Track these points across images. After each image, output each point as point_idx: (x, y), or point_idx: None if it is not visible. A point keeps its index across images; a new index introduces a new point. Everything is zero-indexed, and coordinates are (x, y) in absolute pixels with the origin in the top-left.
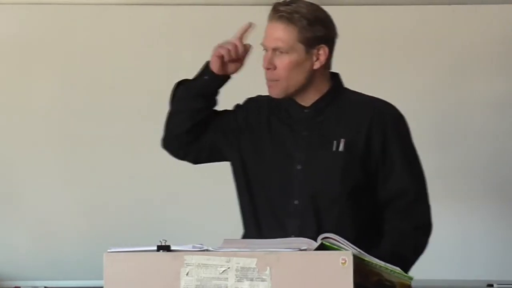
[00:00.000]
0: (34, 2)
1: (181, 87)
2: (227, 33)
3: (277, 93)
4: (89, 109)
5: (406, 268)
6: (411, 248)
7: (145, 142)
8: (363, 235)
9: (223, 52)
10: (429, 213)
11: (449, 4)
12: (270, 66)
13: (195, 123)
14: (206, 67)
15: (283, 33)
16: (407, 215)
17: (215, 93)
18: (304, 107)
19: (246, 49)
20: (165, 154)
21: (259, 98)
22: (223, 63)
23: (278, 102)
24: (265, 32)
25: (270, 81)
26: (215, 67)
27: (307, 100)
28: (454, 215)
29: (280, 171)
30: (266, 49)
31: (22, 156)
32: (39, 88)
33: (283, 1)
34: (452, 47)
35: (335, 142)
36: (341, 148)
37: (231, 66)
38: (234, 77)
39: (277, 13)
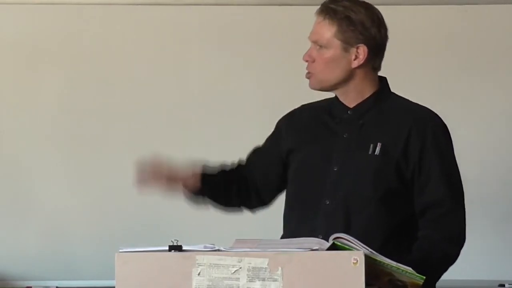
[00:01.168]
0: (41, 2)
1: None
2: (234, 33)
3: (313, 86)
4: (98, 109)
5: (433, 277)
6: (440, 258)
7: (154, 141)
8: (392, 241)
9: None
10: (462, 225)
11: (461, 4)
12: (308, 59)
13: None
14: None
15: (322, 28)
16: (439, 225)
17: (211, 184)
18: (347, 108)
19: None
20: (175, 153)
21: (305, 105)
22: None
23: (325, 104)
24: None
25: (308, 73)
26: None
27: (350, 101)
28: (466, 216)
29: (316, 170)
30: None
31: (32, 157)
32: (47, 89)
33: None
34: (464, 47)
35: (371, 145)
36: (377, 151)
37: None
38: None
39: (322, 8)
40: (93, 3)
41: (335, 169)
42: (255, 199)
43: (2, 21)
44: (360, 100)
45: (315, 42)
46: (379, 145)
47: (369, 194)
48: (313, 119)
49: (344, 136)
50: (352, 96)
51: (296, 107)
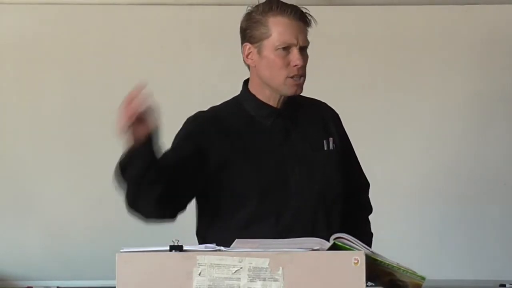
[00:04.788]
0: (44, 2)
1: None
2: (234, 33)
3: (301, 91)
4: (99, 110)
5: None
6: (371, 235)
7: None
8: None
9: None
10: None
11: (462, 4)
12: (304, 63)
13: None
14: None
15: (306, 33)
16: (368, 205)
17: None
18: (275, 109)
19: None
20: None
21: (219, 109)
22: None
23: (240, 108)
24: (288, 29)
25: (301, 78)
26: (138, 140)
27: (281, 102)
28: (466, 215)
29: (276, 178)
30: (288, 46)
31: (34, 157)
32: (50, 89)
33: (292, 4)
34: (464, 47)
35: (324, 141)
36: (331, 146)
37: (142, 129)
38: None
39: (298, 13)
40: (95, 3)
41: (296, 172)
42: (176, 204)
43: (4, 21)
44: (282, 100)
45: (303, 47)
46: (330, 140)
47: (340, 191)
48: (246, 125)
49: (287, 137)
50: (284, 97)
51: None
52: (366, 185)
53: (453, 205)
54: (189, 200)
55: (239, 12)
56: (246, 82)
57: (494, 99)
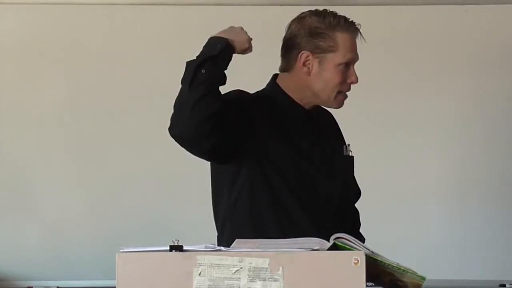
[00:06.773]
0: (44, 2)
1: (205, 71)
2: None
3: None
4: (99, 110)
5: None
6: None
7: (155, 142)
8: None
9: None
10: None
11: (463, 4)
12: None
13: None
14: (225, 46)
15: None
16: (357, 212)
17: None
18: (305, 110)
19: None
20: (176, 154)
21: (252, 97)
22: None
23: (274, 104)
24: (352, 47)
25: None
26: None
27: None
28: (466, 215)
29: (305, 176)
30: (349, 63)
31: (34, 158)
32: (50, 89)
33: (352, 20)
34: (464, 47)
35: (344, 146)
36: (349, 153)
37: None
38: None
39: (358, 31)
40: (95, 3)
41: (322, 172)
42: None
43: (4, 21)
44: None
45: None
46: (349, 146)
47: (351, 196)
48: (279, 120)
49: (316, 139)
50: None
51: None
52: (360, 193)
53: (453, 205)
54: (228, 141)
55: (239, 12)
56: (274, 77)
57: (494, 99)
